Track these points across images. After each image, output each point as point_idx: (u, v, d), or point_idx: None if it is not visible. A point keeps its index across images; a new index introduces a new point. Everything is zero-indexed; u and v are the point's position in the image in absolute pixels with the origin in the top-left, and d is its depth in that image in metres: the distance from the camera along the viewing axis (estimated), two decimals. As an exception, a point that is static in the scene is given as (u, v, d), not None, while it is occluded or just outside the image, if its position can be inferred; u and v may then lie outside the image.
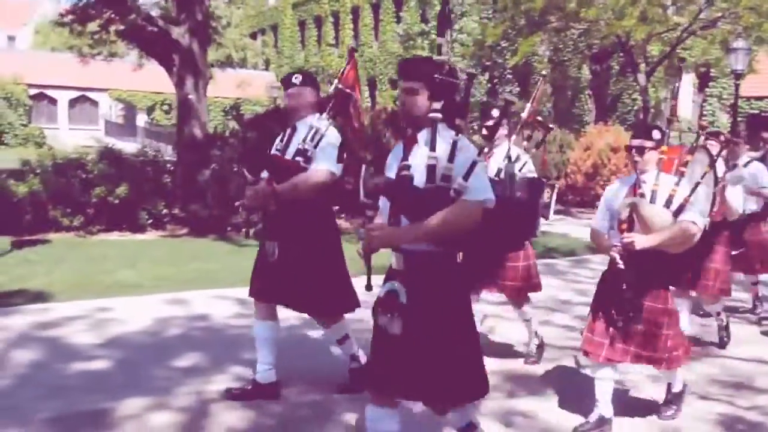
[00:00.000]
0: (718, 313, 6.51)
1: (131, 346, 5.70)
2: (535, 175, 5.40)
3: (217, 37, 22.81)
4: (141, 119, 44.53)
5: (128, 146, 24.54)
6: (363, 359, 4.74)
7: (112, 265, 8.68)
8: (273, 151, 4.66)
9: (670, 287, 5.95)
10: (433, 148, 3.11)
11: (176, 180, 12.28)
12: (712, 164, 4.70)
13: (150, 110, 45.32)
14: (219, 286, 7.63)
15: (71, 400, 4.56)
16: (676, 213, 4.22)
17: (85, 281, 7.74)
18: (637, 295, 4.26)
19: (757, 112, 25.82)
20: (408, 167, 3.19)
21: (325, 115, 4.55)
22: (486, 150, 5.22)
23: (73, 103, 43.79)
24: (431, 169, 3.10)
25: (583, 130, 25.41)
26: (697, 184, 4.41)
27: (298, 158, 4.45)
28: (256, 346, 4.70)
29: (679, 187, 4.31)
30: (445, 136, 3.15)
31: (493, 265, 5.38)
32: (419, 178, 3.13)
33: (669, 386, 4.79)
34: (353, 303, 4.67)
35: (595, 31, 20.79)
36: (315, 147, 4.43)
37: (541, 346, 5.75)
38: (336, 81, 4.72)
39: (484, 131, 5.54)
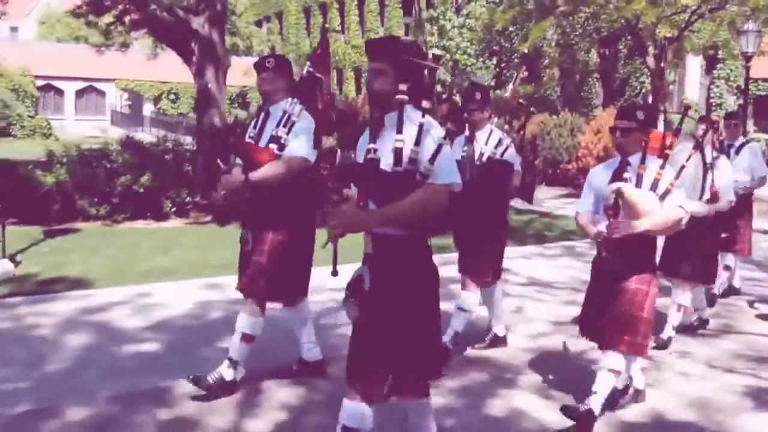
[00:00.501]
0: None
1: (177, 328, 5.92)
2: (516, 160, 5.32)
3: (229, 26, 22.96)
4: (147, 109, 44.74)
5: (136, 136, 24.71)
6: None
7: (145, 252, 8.93)
8: (247, 138, 4.60)
9: (670, 279, 6.01)
10: (400, 131, 3.04)
11: (197, 168, 12.48)
12: (696, 147, 4.58)
13: (157, 100, 45.50)
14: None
15: (129, 380, 4.79)
16: (662, 197, 4.12)
17: (122, 268, 7.97)
18: (623, 279, 4.20)
19: (764, 93, 25.95)
20: (374, 150, 3.13)
21: (296, 99, 4.43)
22: (467, 134, 5.29)
23: (80, 93, 43.97)
24: (398, 153, 3.04)
25: (592, 113, 25.53)
26: (682, 168, 4.33)
27: (272, 145, 4.36)
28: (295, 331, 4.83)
29: (664, 170, 4.19)
30: (412, 119, 3.08)
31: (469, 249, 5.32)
32: (386, 162, 3.07)
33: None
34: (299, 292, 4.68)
35: (603, 14, 20.84)
36: (288, 133, 4.34)
37: (497, 340, 5.64)
38: (308, 64, 4.64)
39: (465, 115, 5.39)
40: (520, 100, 6.59)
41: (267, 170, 4.29)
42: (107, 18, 16.37)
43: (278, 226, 4.44)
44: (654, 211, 4.04)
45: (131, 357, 5.26)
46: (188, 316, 6.30)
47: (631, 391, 4.59)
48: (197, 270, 7.96)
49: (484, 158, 5.16)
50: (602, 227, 4.24)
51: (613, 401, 4.44)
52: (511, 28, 25.43)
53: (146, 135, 36.73)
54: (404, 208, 3.00)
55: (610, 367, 4.24)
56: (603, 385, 4.24)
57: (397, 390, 3.17)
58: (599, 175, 4.44)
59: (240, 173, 4.37)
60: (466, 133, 5.32)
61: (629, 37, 23.61)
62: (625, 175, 4.22)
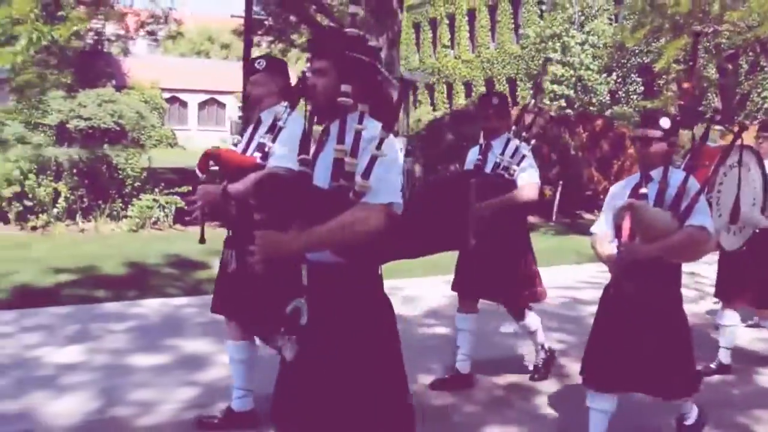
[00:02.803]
0: None
1: (447, 316, 6.73)
2: (534, 171, 4.94)
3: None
4: (263, 120, 46.72)
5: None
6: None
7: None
8: (230, 146, 4.24)
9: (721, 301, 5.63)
10: (341, 140, 2.58)
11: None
12: (723, 158, 4.17)
13: (273, 111, 47.52)
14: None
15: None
16: (684, 216, 3.60)
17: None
18: (643, 313, 3.70)
19: None
20: (306, 162, 2.70)
21: (285, 103, 3.98)
22: (482, 142, 5.04)
23: (202, 105, 46.28)
24: (338, 165, 2.57)
25: (717, 128, 25.70)
26: (705, 183, 3.82)
27: (257, 153, 3.92)
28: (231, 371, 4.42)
29: (687, 185, 3.66)
30: (353, 126, 2.61)
31: (488, 271, 4.91)
32: (322, 176, 2.64)
33: (682, 419, 4.19)
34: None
35: (734, 32, 21.15)
36: (273, 140, 3.87)
37: (549, 360, 5.40)
38: (307, 62, 4.29)
39: (481, 121, 5.10)
40: (540, 105, 5.74)
41: (247, 183, 3.78)
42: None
43: None
44: (670, 232, 3.56)
45: (433, 338, 6.22)
46: (450, 306, 7.07)
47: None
48: (433, 267, 8.48)
49: (500, 169, 4.87)
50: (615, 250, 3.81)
51: None
52: (629, 44, 25.90)
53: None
54: (330, 231, 2.51)
55: (687, 416, 4.06)
56: (689, 410, 4.12)
57: None
58: (619, 192, 3.99)
59: (219, 184, 3.94)
60: (482, 141, 5.09)
61: (750, 53, 23.78)
62: (642, 190, 3.77)
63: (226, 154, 4.01)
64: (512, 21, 38.39)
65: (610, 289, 3.85)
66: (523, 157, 4.88)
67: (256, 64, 4.10)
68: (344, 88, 2.61)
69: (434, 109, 42.31)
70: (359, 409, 2.62)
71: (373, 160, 2.53)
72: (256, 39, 18.42)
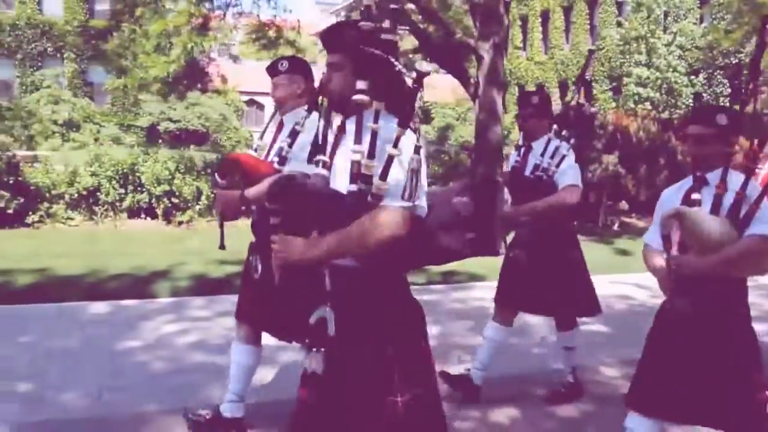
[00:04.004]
0: None
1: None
2: (574, 173, 4.57)
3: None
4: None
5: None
6: None
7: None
8: (252, 150, 4.14)
9: None
10: (358, 141, 2.48)
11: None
12: None
13: (344, 113, 48.46)
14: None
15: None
16: (743, 224, 3.15)
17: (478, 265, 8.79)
18: (702, 334, 3.21)
19: None
20: (323, 164, 2.60)
21: (305, 106, 3.81)
22: (521, 143, 4.85)
23: (278, 108, 47.48)
24: (356, 167, 2.45)
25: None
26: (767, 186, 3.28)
27: (275, 158, 3.79)
28: (230, 373, 4.29)
29: (747, 190, 3.21)
30: (370, 125, 2.48)
31: (534, 283, 4.63)
32: (340, 180, 2.53)
33: None
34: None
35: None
36: (290, 146, 3.73)
37: (574, 387, 4.99)
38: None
39: (520, 120, 4.85)
40: (581, 101, 5.39)
41: (262, 187, 3.59)
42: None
43: None
44: (726, 242, 3.12)
45: (598, 334, 6.55)
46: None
47: None
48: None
49: (539, 171, 4.60)
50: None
51: None
52: (724, 45, 25.71)
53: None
54: (348, 238, 2.42)
55: None
56: None
57: None
58: (669, 197, 3.54)
59: (239, 189, 3.84)
60: (520, 142, 4.90)
61: None
62: (694, 195, 3.34)
63: (243, 159, 3.88)
64: (588, 22, 38.29)
65: (665, 305, 3.42)
66: (563, 157, 4.57)
67: (278, 66, 4.03)
68: (360, 85, 2.50)
69: (505, 111, 42.36)
70: (386, 418, 2.46)
71: (390, 159, 2.41)
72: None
